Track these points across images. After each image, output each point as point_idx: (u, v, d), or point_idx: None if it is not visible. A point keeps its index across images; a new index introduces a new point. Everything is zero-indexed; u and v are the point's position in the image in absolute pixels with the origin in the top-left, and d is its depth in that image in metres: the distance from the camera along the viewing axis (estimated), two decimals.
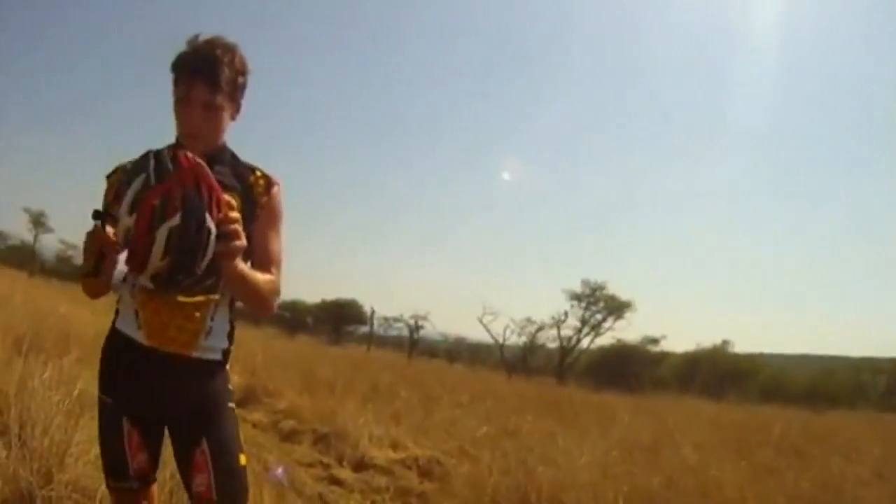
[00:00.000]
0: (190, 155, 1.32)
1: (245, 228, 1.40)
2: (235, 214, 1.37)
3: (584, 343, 33.30)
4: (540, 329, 33.50)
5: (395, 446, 5.40)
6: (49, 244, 40.43)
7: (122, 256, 1.36)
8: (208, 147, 1.64)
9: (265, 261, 1.64)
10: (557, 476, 4.16)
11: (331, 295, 38.68)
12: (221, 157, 1.68)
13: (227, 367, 1.76)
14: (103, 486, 2.48)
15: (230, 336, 1.74)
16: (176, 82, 1.60)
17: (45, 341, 5.60)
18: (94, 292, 1.61)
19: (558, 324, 33.07)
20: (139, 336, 1.62)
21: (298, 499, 3.83)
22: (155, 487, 1.74)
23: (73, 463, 2.77)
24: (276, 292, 1.66)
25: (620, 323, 32.48)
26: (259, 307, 1.64)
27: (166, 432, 1.73)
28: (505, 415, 8.16)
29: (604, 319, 32.80)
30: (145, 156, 1.31)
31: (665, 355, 32.87)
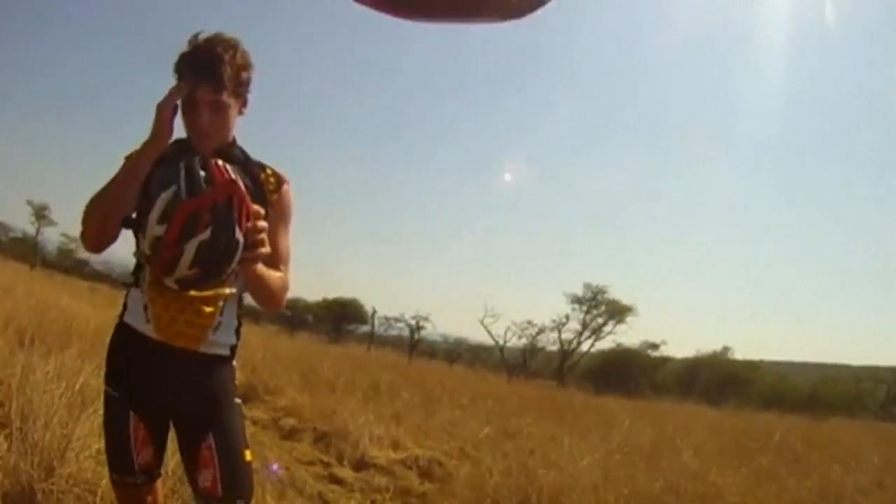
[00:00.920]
0: (223, 167, 1.32)
1: None
2: (263, 224, 1.38)
3: (585, 347, 33.34)
4: (541, 332, 33.54)
5: (395, 446, 5.38)
6: (51, 237, 40.52)
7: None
8: (218, 144, 1.64)
9: (275, 258, 1.63)
10: (558, 479, 4.15)
11: (332, 294, 38.76)
12: (232, 154, 1.68)
13: (234, 362, 1.76)
14: (104, 481, 2.49)
15: (238, 332, 1.74)
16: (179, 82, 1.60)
17: (47, 334, 5.60)
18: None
19: (559, 327, 33.10)
20: (148, 330, 1.61)
21: (299, 497, 3.81)
22: (159, 482, 1.73)
23: (75, 457, 2.76)
24: (286, 290, 1.68)
25: (621, 327, 32.50)
26: (270, 304, 1.65)
27: (171, 427, 1.72)
28: (505, 416, 8.15)
29: (605, 323, 32.82)
30: (174, 167, 1.32)
31: (665, 360, 32.89)
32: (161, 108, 1.55)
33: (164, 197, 1.28)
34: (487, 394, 11.23)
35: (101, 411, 1.70)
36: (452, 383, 12.18)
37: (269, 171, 1.72)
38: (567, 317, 33.00)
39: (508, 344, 33.27)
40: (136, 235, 1.58)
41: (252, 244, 1.36)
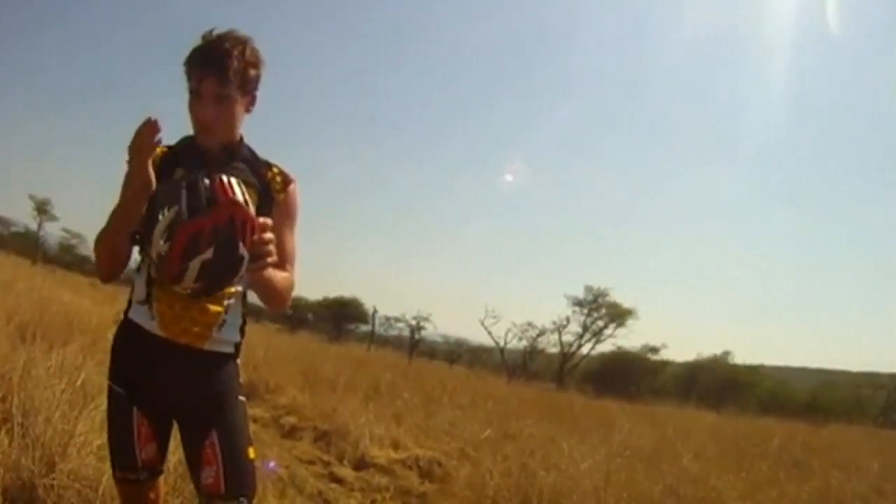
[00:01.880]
0: (227, 183, 1.33)
1: None
2: (270, 236, 1.40)
3: (585, 349, 33.29)
4: (541, 334, 33.50)
5: (395, 446, 5.37)
6: (53, 232, 40.55)
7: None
8: (224, 139, 1.64)
9: (280, 258, 1.63)
10: (559, 481, 4.14)
11: (333, 293, 38.78)
12: (239, 152, 1.68)
13: (238, 360, 1.76)
14: (106, 477, 2.48)
15: (242, 329, 1.75)
16: (188, 77, 1.60)
17: (48, 329, 5.60)
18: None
19: (560, 329, 33.05)
20: (152, 327, 1.61)
21: (299, 496, 3.81)
22: (162, 479, 1.73)
23: (76, 453, 2.75)
24: (291, 289, 1.69)
25: (622, 330, 32.45)
26: (275, 303, 1.67)
27: (174, 424, 1.72)
28: (506, 418, 8.14)
29: (605, 326, 32.76)
30: (177, 185, 1.32)
31: (665, 364, 32.87)
32: (133, 151, 1.43)
33: (167, 216, 1.30)
34: (488, 395, 11.22)
35: (103, 407, 1.70)
36: (453, 384, 12.17)
37: (275, 170, 1.72)
38: (568, 319, 32.98)
39: (509, 345, 33.29)
40: (141, 247, 1.58)
41: (258, 256, 1.38)
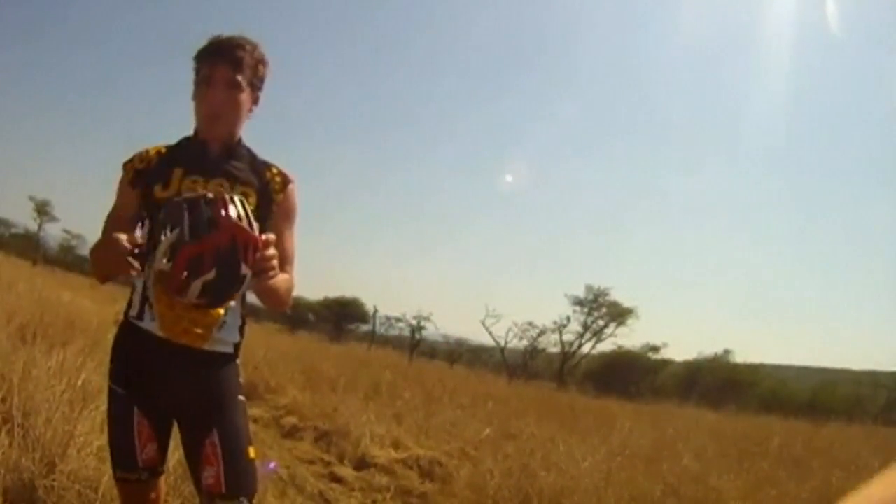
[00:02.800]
0: (228, 202, 1.34)
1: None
2: (272, 252, 1.42)
3: (586, 349, 33.24)
4: (542, 333, 33.43)
5: (396, 446, 5.36)
6: (53, 233, 40.59)
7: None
8: (227, 131, 1.66)
9: (280, 259, 1.63)
10: (559, 481, 4.14)
11: (333, 293, 38.78)
12: (239, 152, 1.70)
13: (238, 360, 1.76)
14: (106, 477, 2.48)
15: (241, 330, 1.75)
16: (199, 68, 1.64)
17: (49, 330, 5.60)
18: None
19: (560, 328, 33.00)
20: (153, 328, 1.62)
21: (299, 496, 3.81)
22: (162, 479, 1.73)
23: (76, 453, 2.76)
24: (292, 290, 1.71)
25: (622, 330, 32.41)
26: (276, 305, 1.68)
27: (175, 425, 1.72)
28: (506, 418, 8.13)
29: (606, 326, 32.71)
30: (178, 206, 1.34)
31: (666, 363, 32.83)
32: (106, 249, 1.47)
33: (169, 237, 1.31)
34: (488, 395, 11.21)
35: (103, 408, 1.70)
36: (453, 384, 12.15)
37: (274, 171, 1.73)
38: (568, 318, 32.90)
39: (509, 345, 33.22)
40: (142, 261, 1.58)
41: (261, 272, 1.40)
